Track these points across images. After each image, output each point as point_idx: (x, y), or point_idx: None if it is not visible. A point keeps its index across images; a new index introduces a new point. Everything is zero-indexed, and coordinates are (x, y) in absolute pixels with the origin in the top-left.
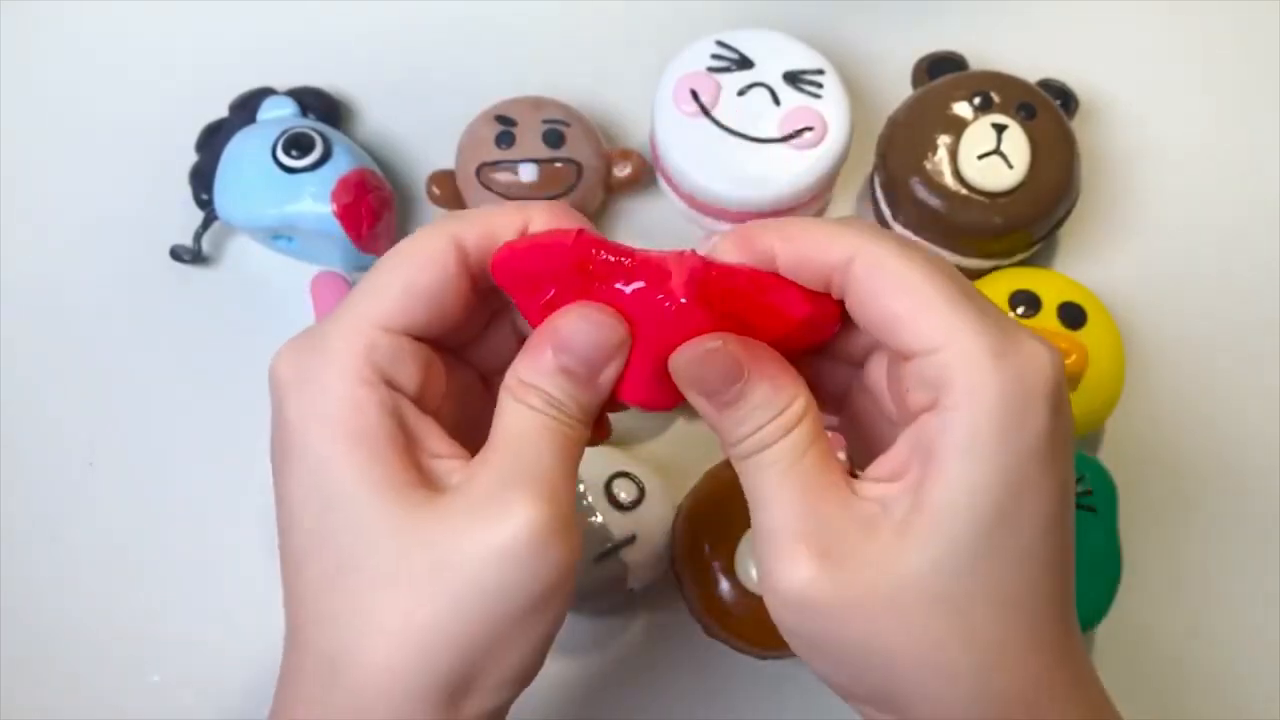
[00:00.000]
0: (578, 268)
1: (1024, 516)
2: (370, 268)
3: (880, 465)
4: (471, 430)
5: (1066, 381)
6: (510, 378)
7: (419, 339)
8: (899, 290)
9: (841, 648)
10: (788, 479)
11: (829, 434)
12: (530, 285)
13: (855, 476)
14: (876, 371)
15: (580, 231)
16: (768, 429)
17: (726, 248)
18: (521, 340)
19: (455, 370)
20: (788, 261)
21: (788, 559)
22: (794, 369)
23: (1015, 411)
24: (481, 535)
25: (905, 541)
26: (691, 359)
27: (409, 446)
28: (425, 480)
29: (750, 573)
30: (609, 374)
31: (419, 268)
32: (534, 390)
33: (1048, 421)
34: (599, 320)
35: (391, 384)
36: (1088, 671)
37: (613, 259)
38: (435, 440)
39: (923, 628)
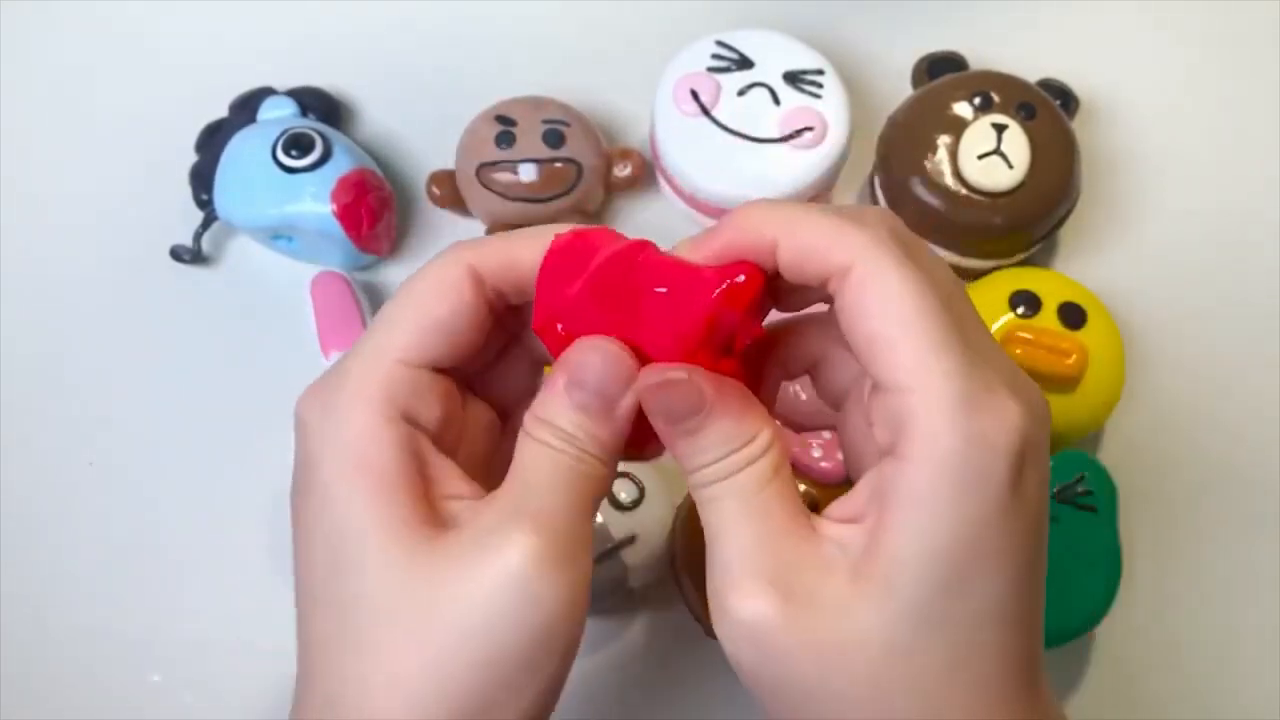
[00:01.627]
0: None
1: (982, 577)
2: (388, 299)
3: (841, 506)
4: (486, 468)
5: (1043, 436)
6: (528, 417)
7: (439, 370)
8: (885, 314)
9: (791, 686)
10: (746, 512)
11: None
12: (569, 274)
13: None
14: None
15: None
16: (729, 460)
17: (725, 230)
18: (537, 369)
19: (471, 405)
20: (787, 256)
21: (744, 592)
22: (762, 406)
23: (973, 470)
24: (475, 571)
25: (860, 588)
26: (654, 385)
27: (425, 486)
28: (437, 520)
29: None
30: (625, 405)
31: (435, 298)
32: (549, 427)
33: (1006, 478)
34: (610, 352)
35: (411, 420)
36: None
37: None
38: (452, 481)
39: (872, 677)
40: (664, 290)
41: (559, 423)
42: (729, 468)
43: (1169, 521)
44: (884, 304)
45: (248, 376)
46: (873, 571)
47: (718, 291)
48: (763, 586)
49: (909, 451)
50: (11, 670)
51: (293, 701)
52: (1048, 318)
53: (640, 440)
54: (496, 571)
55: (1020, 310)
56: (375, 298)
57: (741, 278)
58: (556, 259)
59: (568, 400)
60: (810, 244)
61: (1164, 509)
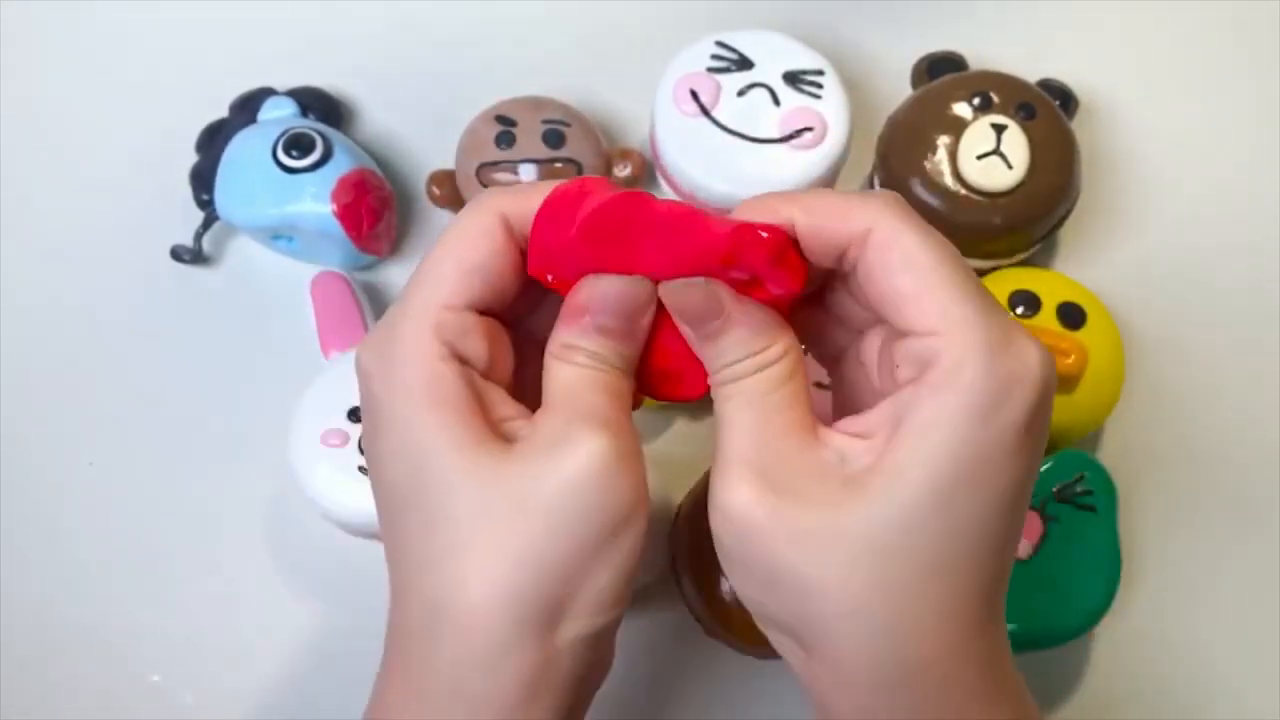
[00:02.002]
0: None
1: (974, 498)
2: (422, 259)
3: (853, 422)
4: (534, 398)
5: (1055, 388)
6: (552, 343)
7: (482, 313)
8: (908, 268)
9: (767, 572)
10: (751, 409)
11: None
12: (563, 221)
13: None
14: (872, 345)
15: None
16: (743, 363)
17: (745, 212)
18: None
19: (519, 343)
20: (806, 229)
21: (734, 479)
22: (786, 323)
23: (990, 401)
24: (554, 469)
25: (851, 493)
26: (676, 288)
27: (482, 410)
28: (500, 438)
29: None
30: (644, 323)
31: (469, 245)
32: (577, 350)
33: (1021, 417)
34: (623, 279)
35: (461, 357)
36: (1004, 653)
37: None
38: (503, 405)
39: (847, 574)
40: (676, 227)
41: (586, 346)
42: (742, 370)
43: (1169, 521)
44: (906, 260)
45: (248, 376)
46: (871, 480)
47: (735, 227)
48: (750, 477)
49: (934, 380)
50: (11, 670)
51: (389, 624)
52: (1047, 318)
53: (661, 381)
54: (572, 468)
55: (1020, 310)
56: (375, 298)
57: (764, 234)
58: (550, 208)
59: (591, 324)
60: (828, 215)
61: (1164, 509)
